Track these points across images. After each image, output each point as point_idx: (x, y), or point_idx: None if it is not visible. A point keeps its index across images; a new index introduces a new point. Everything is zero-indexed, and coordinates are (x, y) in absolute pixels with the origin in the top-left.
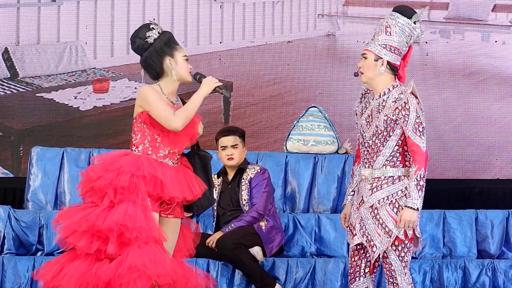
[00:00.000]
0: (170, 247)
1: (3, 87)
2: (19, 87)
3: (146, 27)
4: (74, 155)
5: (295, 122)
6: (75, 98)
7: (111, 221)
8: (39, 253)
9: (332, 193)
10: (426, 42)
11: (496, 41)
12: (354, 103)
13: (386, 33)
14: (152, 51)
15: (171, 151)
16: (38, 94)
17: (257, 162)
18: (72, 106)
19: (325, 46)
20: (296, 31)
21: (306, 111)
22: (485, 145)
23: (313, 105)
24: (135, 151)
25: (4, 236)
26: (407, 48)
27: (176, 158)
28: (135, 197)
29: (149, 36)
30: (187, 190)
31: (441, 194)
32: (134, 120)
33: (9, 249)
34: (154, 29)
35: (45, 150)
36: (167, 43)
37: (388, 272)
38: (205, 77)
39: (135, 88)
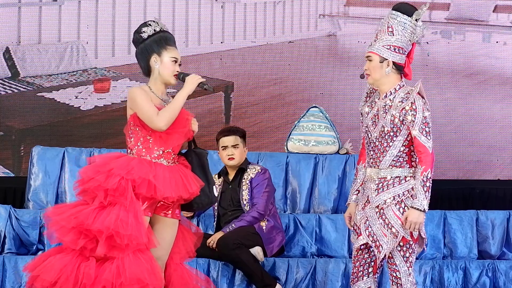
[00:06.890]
0: (166, 248)
1: (4, 86)
2: (20, 86)
3: (145, 23)
4: (75, 154)
5: (296, 122)
6: (76, 97)
7: (103, 224)
8: (40, 252)
9: (332, 193)
10: (427, 43)
11: (497, 42)
12: (355, 103)
13: (388, 33)
14: (142, 47)
15: (166, 151)
16: (39, 94)
17: (258, 162)
18: (73, 105)
19: (326, 46)
20: (297, 31)
21: (307, 111)
22: (486, 145)
23: (314, 105)
24: (130, 153)
25: (4, 235)
26: (411, 46)
27: (171, 158)
28: (125, 200)
29: (144, 32)
30: (182, 189)
31: (442, 195)
32: (128, 123)
33: (10, 249)
34: (150, 25)
35: (46, 149)
36: (158, 41)
37: (392, 273)
38: (188, 75)
39: None
